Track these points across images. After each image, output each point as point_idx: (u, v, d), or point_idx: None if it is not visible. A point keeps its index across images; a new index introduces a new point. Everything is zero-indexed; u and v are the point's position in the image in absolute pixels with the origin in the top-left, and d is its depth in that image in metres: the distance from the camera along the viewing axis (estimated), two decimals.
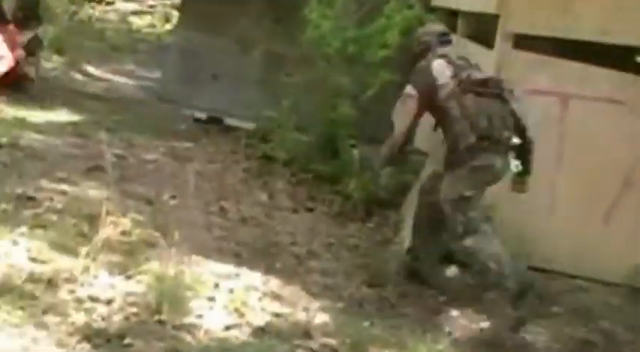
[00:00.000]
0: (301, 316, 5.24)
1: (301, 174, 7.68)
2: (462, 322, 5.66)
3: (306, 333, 4.97)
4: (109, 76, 11.57)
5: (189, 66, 9.40)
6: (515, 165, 5.85)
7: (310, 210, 7.22)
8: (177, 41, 9.60)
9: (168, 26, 16.95)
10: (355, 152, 7.41)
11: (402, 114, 5.99)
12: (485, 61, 6.55)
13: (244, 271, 5.78)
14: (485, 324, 5.69)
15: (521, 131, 5.79)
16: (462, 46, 7.26)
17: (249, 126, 9.04)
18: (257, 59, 8.86)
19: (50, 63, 10.91)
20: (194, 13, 9.34)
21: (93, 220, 5.95)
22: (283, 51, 8.53)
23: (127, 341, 4.40)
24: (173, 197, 7.00)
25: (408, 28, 7.31)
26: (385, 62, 7.31)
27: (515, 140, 5.78)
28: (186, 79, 9.41)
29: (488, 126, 5.67)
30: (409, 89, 5.94)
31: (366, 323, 5.28)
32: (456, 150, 5.74)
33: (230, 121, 9.35)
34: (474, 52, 6.95)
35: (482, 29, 7.15)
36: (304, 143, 7.76)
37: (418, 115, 5.96)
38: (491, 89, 5.78)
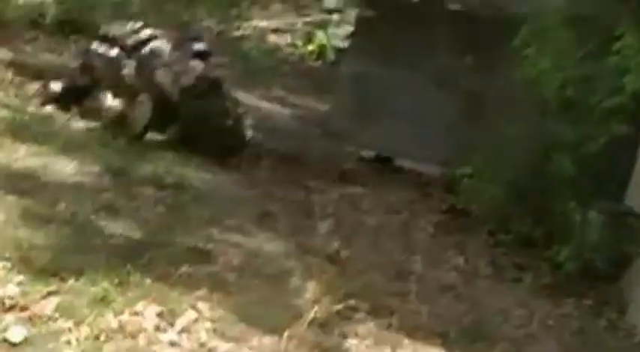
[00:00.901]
0: None
1: (500, 234, 6.95)
2: None
3: None
4: (259, 102, 11.05)
5: (361, 98, 8.79)
6: None
7: (517, 280, 6.51)
8: (349, 69, 8.98)
9: (310, 47, 16.54)
10: (576, 216, 6.64)
11: None
12: None
13: None
14: None
15: None
16: None
17: (427, 169, 8.40)
18: (445, 95, 8.16)
19: None
20: (371, 38, 8.71)
21: (276, 282, 5.50)
22: (481, 88, 7.85)
23: None
24: (356, 255, 6.42)
25: None
26: (615, 111, 6.53)
27: None
28: (357, 112, 8.80)
29: None
30: None
31: None
32: None
33: (402, 162, 8.71)
34: None
35: None
36: (505, 198, 7.02)
37: None
38: None
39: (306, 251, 6.27)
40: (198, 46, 8.30)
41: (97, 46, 8.22)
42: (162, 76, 7.85)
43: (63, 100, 8.10)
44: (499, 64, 7.84)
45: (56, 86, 8.21)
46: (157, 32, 8.30)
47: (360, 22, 9.08)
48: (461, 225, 7.22)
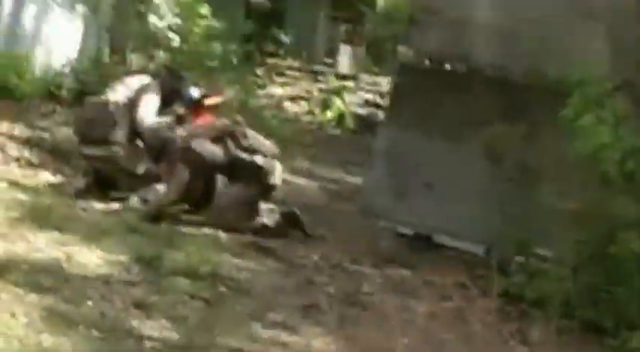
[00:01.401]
0: None
1: (562, 320, 6.23)
2: None
3: None
4: (284, 174, 10.40)
5: (396, 172, 8.13)
6: None
7: None
8: (384, 141, 8.31)
9: (328, 114, 15.99)
10: None
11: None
12: None
13: None
14: None
15: None
16: None
17: (470, 248, 7.74)
18: (488, 168, 7.51)
19: None
20: (407, 108, 8.07)
21: None
22: (528, 160, 7.22)
23: None
24: (412, 350, 5.71)
25: None
26: None
27: None
28: (392, 187, 8.13)
29: None
30: None
31: None
32: None
33: (442, 239, 8.03)
34: None
35: None
36: (566, 282, 6.32)
37: None
38: None
39: (359, 347, 5.57)
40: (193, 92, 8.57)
41: None
42: None
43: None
44: (545, 133, 7.25)
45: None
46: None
47: (395, 92, 8.43)
48: (518, 311, 6.52)
